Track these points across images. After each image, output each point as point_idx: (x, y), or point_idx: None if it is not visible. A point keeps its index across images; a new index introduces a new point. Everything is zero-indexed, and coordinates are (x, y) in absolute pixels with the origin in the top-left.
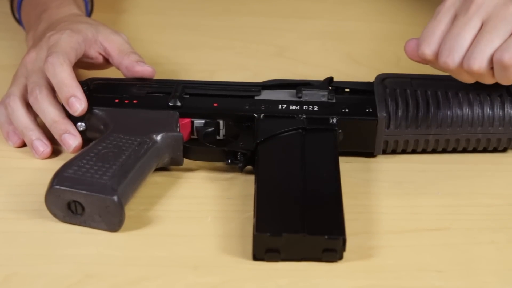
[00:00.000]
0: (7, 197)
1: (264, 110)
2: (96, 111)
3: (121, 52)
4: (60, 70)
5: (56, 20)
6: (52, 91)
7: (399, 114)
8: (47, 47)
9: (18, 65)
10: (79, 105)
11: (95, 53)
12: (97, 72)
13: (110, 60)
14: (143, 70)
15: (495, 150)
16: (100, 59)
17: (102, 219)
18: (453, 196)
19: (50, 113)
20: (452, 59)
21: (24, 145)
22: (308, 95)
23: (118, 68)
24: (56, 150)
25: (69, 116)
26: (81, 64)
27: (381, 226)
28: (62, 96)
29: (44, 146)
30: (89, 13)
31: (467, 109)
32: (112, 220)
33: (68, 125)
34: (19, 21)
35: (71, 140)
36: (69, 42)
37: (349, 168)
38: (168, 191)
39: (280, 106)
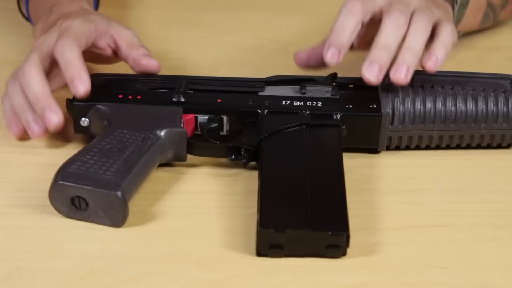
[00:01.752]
0: (11, 193)
1: (268, 106)
2: (100, 106)
3: (130, 45)
4: (69, 50)
5: (67, 13)
6: (42, 71)
7: (403, 110)
8: (59, 32)
9: (23, 61)
10: (82, 86)
11: (104, 45)
12: (102, 67)
13: (119, 52)
14: (149, 63)
15: (499, 147)
16: (109, 51)
17: (106, 214)
18: (456, 192)
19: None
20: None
21: (26, 136)
22: (312, 91)
23: (125, 61)
24: (59, 145)
25: (74, 111)
26: (89, 54)
27: (384, 222)
28: (67, 76)
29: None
30: (96, 9)
31: (471, 105)
32: (116, 216)
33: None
34: (26, 17)
35: (53, 116)
36: (80, 29)
37: (353, 164)
38: (171, 187)
39: (284, 102)
